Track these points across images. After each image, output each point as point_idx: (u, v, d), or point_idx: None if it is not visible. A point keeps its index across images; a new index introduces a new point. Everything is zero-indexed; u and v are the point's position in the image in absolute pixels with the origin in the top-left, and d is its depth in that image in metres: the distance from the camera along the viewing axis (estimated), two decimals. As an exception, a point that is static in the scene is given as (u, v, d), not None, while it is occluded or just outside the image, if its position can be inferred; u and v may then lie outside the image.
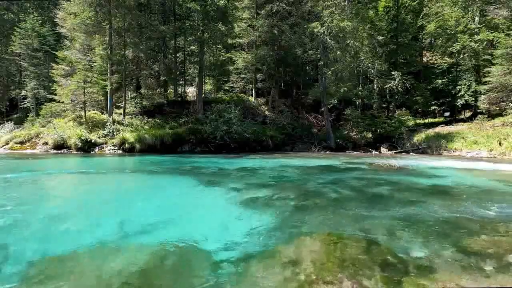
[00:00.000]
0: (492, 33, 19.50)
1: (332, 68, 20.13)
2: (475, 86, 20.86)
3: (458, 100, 22.01)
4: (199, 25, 21.42)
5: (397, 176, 9.47)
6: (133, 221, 4.69)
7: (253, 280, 2.79)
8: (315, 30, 19.74)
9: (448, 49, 22.37)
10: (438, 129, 20.47)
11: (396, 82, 21.33)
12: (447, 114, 23.79)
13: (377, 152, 19.48)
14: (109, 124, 18.21)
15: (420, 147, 18.76)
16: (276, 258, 3.24)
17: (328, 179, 8.73)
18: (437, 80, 23.33)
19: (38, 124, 21.16)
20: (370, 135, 21.65)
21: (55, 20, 25.31)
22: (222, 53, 26.05)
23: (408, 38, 24.40)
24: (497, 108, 19.34)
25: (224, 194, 6.57)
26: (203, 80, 24.70)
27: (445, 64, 23.28)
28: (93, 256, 3.32)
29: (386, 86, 21.75)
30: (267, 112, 24.76)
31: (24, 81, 27.42)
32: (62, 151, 16.94)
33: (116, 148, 17.27)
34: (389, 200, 6.15)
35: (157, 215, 5.02)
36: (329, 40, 19.90)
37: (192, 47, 24.13)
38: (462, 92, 21.75)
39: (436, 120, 24.37)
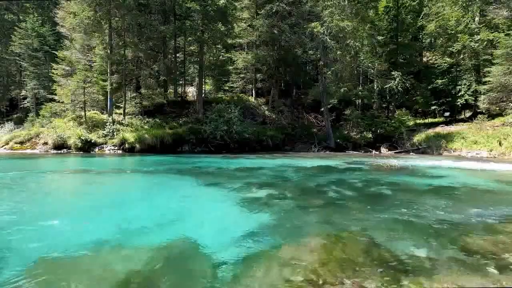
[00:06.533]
0: (492, 33, 19.49)
1: (332, 68, 20.14)
2: (475, 86, 20.85)
3: (458, 100, 21.99)
4: (199, 25, 21.40)
5: (397, 176, 9.47)
6: (133, 221, 4.69)
7: (253, 280, 2.79)
8: (315, 30, 19.73)
9: (448, 49, 22.35)
10: (438, 129, 20.46)
11: (396, 82, 21.32)
12: (447, 114, 23.76)
13: (377, 152, 19.47)
14: (109, 124, 18.20)
15: (420, 147, 18.75)
16: (276, 258, 3.24)
17: (328, 179, 8.73)
18: (437, 80, 23.31)
19: (38, 124, 21.14)
20: (370, 135, 21.64)
21: (55, 19, 25.30)
22: (222, 53, 26.03)
23: (408, 38, 24.39)
24: (497, 108, 19.34)
25: (224, 194, 6.57)
26: (203, 80, 24.69)
27: (445, 64, 23.24)
28: (93, 256, 3.32)
29: (386, 86, 21.74)
30: (267, 112, 24.74)
31: (24, 81, 27.38)
32: (62, 151, 16.94)
33: (116, 148, 17.26)
34: (389, 200, 6.15)
35: (157, 216, 5.02)
36: (329, 40, 19.89)
37: (192, 47, 24.11)
38: (462, 92, 21.73)
39: (436, 120, 24.35)
